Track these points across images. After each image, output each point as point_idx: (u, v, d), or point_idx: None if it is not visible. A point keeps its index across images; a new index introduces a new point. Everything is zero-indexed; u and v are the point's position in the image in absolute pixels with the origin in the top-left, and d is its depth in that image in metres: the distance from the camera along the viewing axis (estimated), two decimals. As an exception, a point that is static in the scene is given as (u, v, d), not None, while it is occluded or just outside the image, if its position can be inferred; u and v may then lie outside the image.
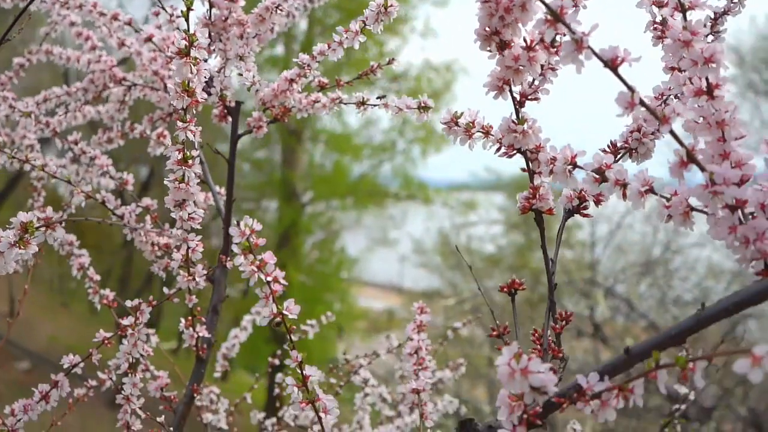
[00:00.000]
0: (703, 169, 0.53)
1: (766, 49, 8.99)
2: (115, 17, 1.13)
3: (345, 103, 1.00)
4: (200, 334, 1.00)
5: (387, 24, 0.92)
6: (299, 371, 0.68)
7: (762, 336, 6.13)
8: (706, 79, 0.56)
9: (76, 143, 1.15)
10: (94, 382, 1.15)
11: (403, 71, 11.09)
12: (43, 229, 0.68)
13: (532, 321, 6.71)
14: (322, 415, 0.67)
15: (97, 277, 1.12)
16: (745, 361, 0.42)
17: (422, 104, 0.88)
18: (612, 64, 0.53)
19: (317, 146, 12.21)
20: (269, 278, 0.65)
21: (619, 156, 0.72)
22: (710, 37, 0.74)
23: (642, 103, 0.52)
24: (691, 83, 0.59)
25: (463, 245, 9.49)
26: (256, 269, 0.65)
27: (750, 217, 0.54)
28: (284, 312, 0.66)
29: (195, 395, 1.02)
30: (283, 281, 0.65)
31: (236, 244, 0.64)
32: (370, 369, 1.49)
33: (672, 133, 0.53)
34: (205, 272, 0.94)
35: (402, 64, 11.32)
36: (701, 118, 0.56)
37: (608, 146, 0.72)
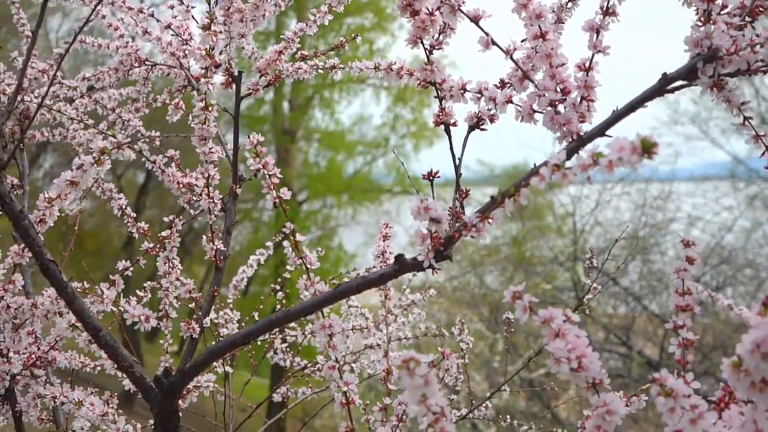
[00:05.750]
0: (532, 82, 0.86)
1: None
2: (140, 11, 1.45)
3: (321, 69, 1.33)
4: (218, 247, 1.33)
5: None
6: (293, 238, 1.00)
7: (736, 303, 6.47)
8: (539, 27, 0.88)
9: (113, 110, 1.47)
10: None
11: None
12: (115, 150, 1.01)
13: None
14: (308, 265, 1.00)
15: (134, 214, 1.45)
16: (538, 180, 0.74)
17: (377, 65, 1.20)
18: (475, 19, 0.86)
19: (311, 145, 12.54)
20: (270, 173, 0.98)
21: (506, 88, 1.04)
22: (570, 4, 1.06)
23: (492, 42, 0.85)
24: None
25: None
26: (261, 167, 0.97)
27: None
28: (281, 195, 0.98)
29: (215, 295, 1.35)
30: (279, 175, 0.98)
31: (247, 150, 0.97)
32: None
33: (513, 60, 0.86)
34: (221, 196, 1.27)
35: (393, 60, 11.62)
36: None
37: (499, 81, 1.05)
